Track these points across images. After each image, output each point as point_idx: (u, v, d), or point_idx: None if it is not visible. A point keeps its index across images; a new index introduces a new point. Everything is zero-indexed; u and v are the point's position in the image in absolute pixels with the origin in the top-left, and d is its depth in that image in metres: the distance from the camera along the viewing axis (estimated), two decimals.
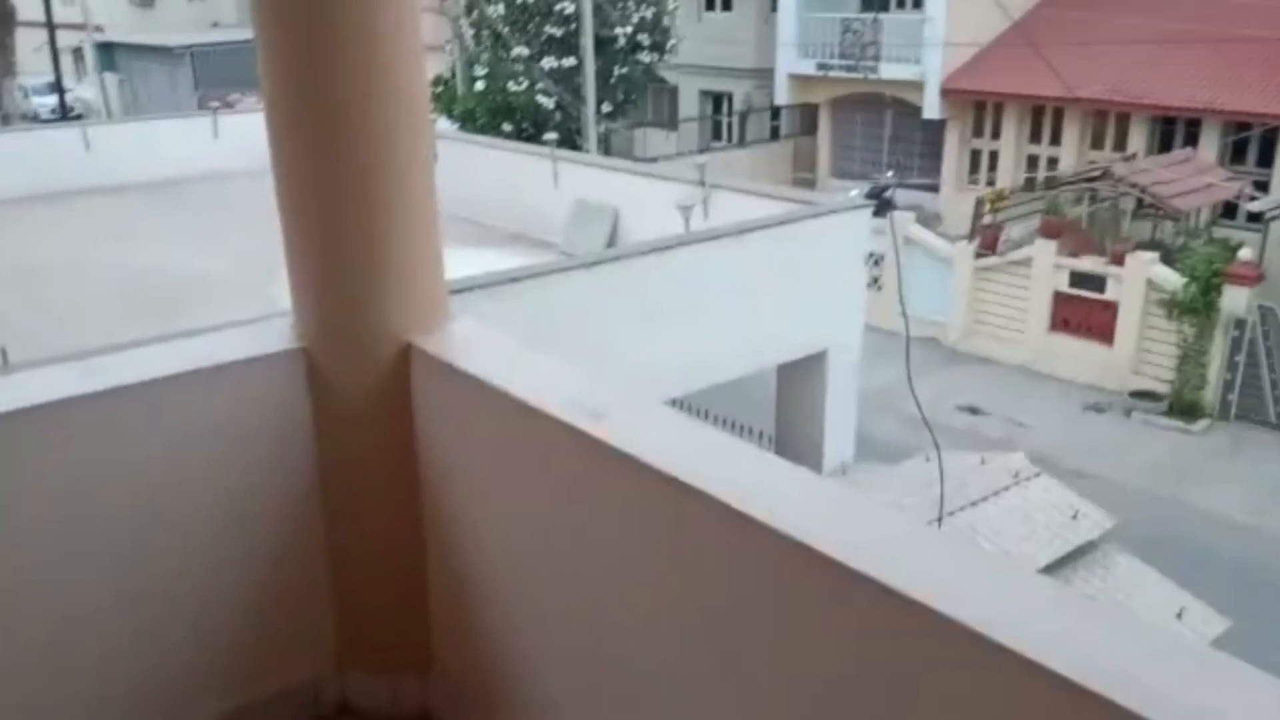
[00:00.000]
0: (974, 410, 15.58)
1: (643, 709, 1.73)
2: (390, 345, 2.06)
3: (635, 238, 8.01)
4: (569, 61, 20.15)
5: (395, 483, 2.18)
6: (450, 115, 20.60)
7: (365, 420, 2.12)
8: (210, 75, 27.50)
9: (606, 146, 22.04)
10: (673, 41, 22.20)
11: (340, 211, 2.01)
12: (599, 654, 1.82)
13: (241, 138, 10.71)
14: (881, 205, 20.76)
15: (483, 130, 18.84)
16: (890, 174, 22.03)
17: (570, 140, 18.67)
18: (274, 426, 2.10)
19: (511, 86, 20.54)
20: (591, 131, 17.84)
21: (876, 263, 19.02)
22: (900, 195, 21.73)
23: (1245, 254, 14.87)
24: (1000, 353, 17.37)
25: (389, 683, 2.31)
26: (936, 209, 22.32)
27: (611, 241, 8.38)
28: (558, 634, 1.92)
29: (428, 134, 2.08)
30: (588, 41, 18.05)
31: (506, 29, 20.56)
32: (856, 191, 13.87)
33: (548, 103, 20.45)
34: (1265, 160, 18.85)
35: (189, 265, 8.69)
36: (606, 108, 21.17)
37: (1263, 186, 18.16)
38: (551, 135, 10.66)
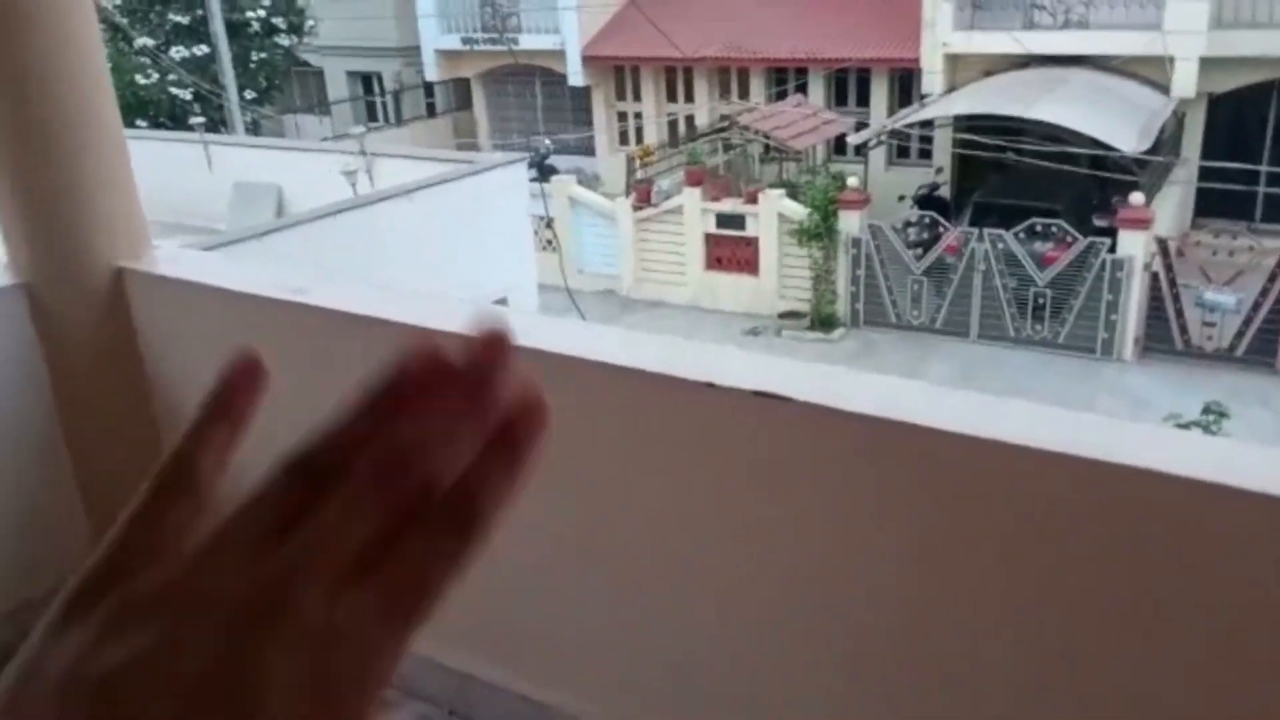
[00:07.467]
0: None
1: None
2: (103, 273, 2.34)
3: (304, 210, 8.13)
4: (201, 49, 19.20)
5: (129, 402, 2.46)
6: None
7: (90, 345, 2.40)
8: None
9: (256, 135, 21.25)
10: (310, 22, 21.70)
11: (32, 151, 2.26)
12: None
13: None
14: (543, 172, 21.73)
15: None
16: (548, 143, 22.94)
17: (216, 131, 17.89)
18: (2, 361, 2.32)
19: (140, 80, 19.25)
20: (238, 119, 17.21)
21: (548, 225, 19.93)
22: (561, 161, 22.75)
23: (853, 182, 17.12)
24: (669, 295, 18.85)
25: None
26: (595, 170, 23.56)
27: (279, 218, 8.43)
28: None
29: (106, 78, 2.36)
30: (219, 26, 17.34)
31: (125, 19, 19.20)
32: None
33: (184, 94, 19.38)
34: (863, 100, 21.66)
35: None
36: (250, 95, 20.39)
37: (865, 124, 20.85)
38: (199, 119, 10.38)
